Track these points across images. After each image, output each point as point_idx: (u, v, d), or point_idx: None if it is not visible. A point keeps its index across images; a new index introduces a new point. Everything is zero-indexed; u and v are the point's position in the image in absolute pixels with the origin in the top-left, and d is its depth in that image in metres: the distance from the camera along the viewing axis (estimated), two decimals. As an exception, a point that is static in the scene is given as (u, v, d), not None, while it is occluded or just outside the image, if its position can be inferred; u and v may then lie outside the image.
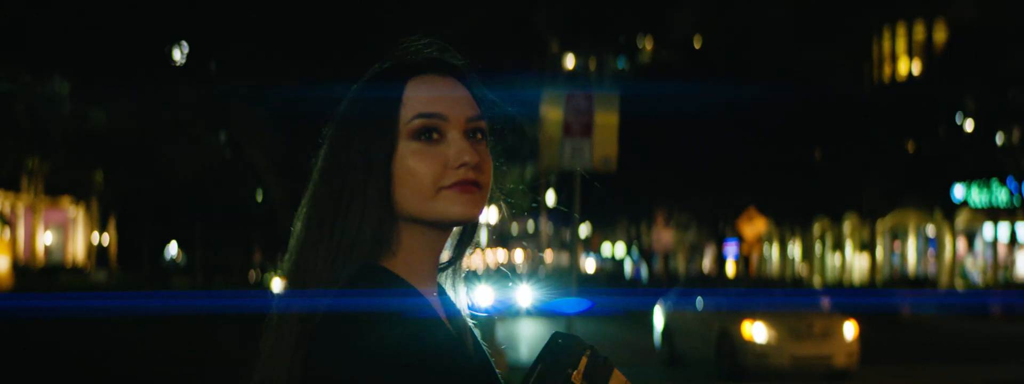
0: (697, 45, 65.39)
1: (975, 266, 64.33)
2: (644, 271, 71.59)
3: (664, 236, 56.74)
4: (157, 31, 18.43)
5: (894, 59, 65.07)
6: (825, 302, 24.84)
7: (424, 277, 2.44)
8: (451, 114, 2.40)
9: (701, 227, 66.45)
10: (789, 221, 67.52)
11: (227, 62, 19.07)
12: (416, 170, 2.36)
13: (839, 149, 54.43)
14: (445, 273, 2.61)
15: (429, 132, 2.39)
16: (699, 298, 25.56)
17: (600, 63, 76.69)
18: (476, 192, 2.40)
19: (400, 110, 2.39)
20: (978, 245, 64.30)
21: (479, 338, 2.55)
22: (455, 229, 2.55)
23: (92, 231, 75.61)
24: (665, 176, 53.28)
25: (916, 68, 62.19)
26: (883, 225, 66.50)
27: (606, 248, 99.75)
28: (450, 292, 2.60)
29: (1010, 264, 60.11)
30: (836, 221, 69.31)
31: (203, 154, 30.52)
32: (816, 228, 75.47)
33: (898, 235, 71.03)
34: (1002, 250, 59.43)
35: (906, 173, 53.16)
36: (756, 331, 22.48)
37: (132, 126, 26.48)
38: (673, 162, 51.25)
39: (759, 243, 79.13)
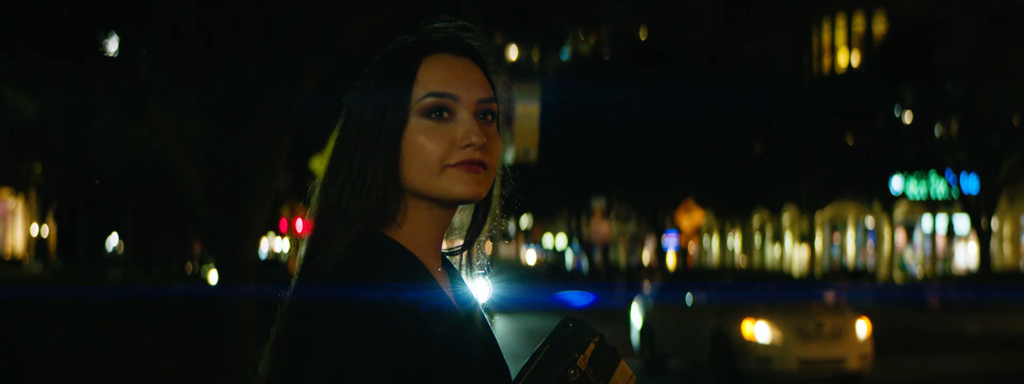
0: (643, 37, 65.27)
1: (914, 258, 64.58)
2: (585, 263, 71.56)
3: (602, 228, 56.55)
4: (89, 19, 18.09)
5: (834, 51, 65.22)
6: (830, 296, 23.00)
7: (428, 251, 2.49)
8: (462, 94, 2.45)
9: (641, 219, 66.39)
10: (729, 213, 67.58)
11: (150, 49, 18.79)
12: (424, 147, 2.42)
13: (778, 141, 54.48)
14: (458, 257, 2.68)
15: (439, 111, 2.44)
16: (689, 293, 22.44)
17: (543, 55, 76.50)
18: (481, 172, 2.44)
19: (413, 87, 2.45)
20: (917, 237, 64.56)
21: (487, 319, 2.56)
22: (466, 214, 2.64)
23: (31, 223, 75.02)
24: (603, 167, 53.19)
25: (855, 60, 62.33)
26: (822, 217, 66.70)
27: (548, 240, 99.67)
28: (464, 275, 2.65)
29: (949, 256, 60.37)
30: (775, 213, 69.42)
31: (128, 146, 30.25)
32: (755, 220, 75.64)
33: (837, 227, 71.28)
34: (941, 242, 59.68)
35: (845, 165, 53.28)
36: (759, 331, 19.96)
37: (61, 117, 26.20)
38: (611, 154, 51.17)
39: (697, 235, 79.32)
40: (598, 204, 57.59)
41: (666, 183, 54.31)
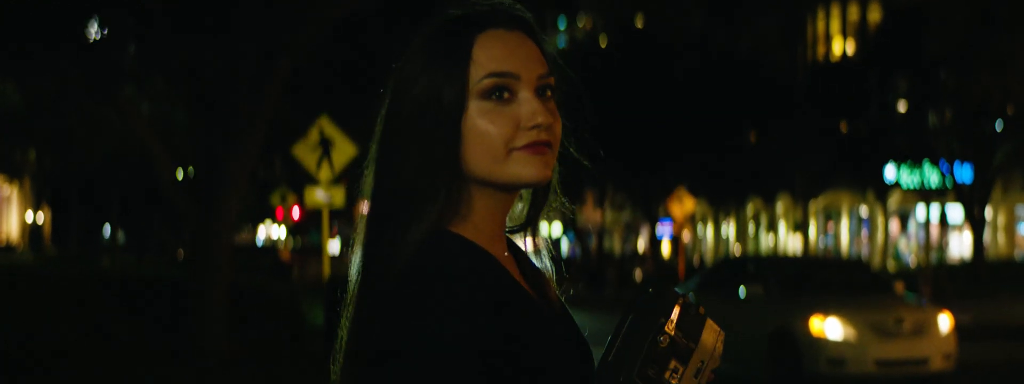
0: (639, 25, 65.19)
1: (908, 247, 64.51)
2: (578, 251, 71.50)
3: (593, 216, 56.50)
4: (64, 4, 17.98)
5: (828, 40, 65.10)
6: (900, 287, 20.38)
7: (493, 239, 2.38)
8: (523, 72, 2.32)
9: (636, 207, 66.29)
10: (722, 201, 67.52)
11: (119, 29, 18.67)
12: (487, 131, 2.29)
13: (772, 129, 54.40)
14: (520, 235, 2.55)
15: (500, 91, 2.31)
16: (743, 286, 19.58)
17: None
18: (548, 153, 2.33)
19: (470, 68, 2.30)
20: (911, 226, 64.48)
21: (561, 296, 2.51)
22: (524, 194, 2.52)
23: (26, 210, 75.00)
24: (596, 155, 53.11)
25: (850, 49, 62.22)
26: (816, 206, 66.62)
27: (543, 228, 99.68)
28: (529, 254, 2.55)
29: (943, 245, 60.28)
30: (769, 202, 69.34)
31: (108, 134, 30.13)
32: (749, 208, 75.58)
33: (831, 216, 71.23)
34: (935, 231, 59.59)
35: (838, 154, 53.19)
36: (830, 328, 17.61)
37: (44, 104, 26.02)
38: (604, 141, 51.10)
39: (691, 223, 79.28)
40: (589, 192, 57.50)
41: (659, 171, 54.20)
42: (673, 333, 2.28)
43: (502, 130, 2.29)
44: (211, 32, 17.75)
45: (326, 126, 24.07)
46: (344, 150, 24.24)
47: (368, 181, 2.39)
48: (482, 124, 2.29)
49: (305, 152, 24.27)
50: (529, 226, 2.56)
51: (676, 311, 2.30)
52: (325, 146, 23.88)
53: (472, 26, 2.34)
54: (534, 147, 2.30)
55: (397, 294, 2.20)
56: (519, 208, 2.53)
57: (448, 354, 2.14)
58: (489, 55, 2.31)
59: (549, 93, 2.37)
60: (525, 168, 2.30)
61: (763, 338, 18.30)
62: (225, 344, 18.69)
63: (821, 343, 17.58)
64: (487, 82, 2.30)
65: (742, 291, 19.36)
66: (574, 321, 2.44)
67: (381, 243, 2.29)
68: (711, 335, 2.37)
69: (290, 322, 21.60)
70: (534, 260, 2.54)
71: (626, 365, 2.26)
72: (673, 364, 2.27)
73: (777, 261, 25.20)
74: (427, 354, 2.14)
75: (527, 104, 2.31)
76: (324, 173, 24.16)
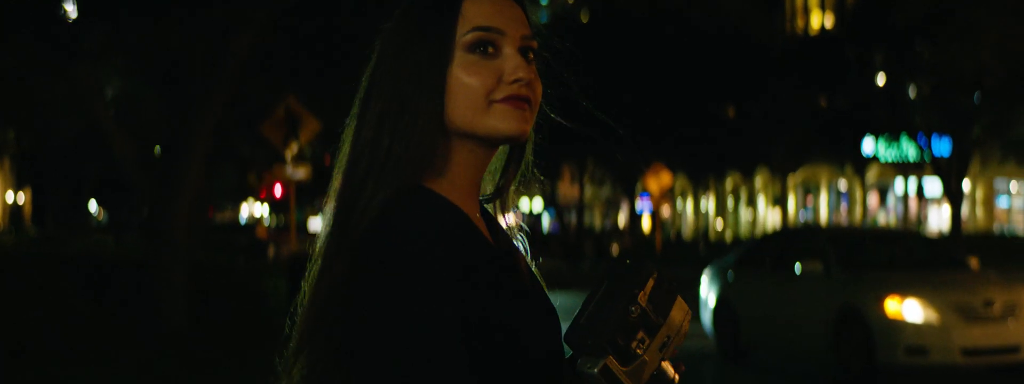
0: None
1: (887, 221, 64.54)
2: (559, 226, 71.65)
3: (571, 192, 56.51)
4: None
5: (806, 13, 64.99)
6: (975, 263, 17.78)
7: (467, 197, 2.43)
8: (508, 29, 2.39)
9: (616, 182, 66.30)
10: (702, 176, 67.54)
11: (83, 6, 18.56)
12: (469, 82, 2.36)
13: (750, 103, 54.33)
14: (493, 203, 2.61)
15: (485, 45, 2.38)
16: (798, 262, 17.19)
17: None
18: (527, 109, 2.39)
19: (457, 22, 2.38)
20: (890, 200, 64.52)
21: (530, 264, 2.56)
22: (498, 160, 2.58)
23: (7, 190, 74.78)
24: (573, 129, 53.06)
25: (829, 22, 62.11)
26: (794, 180, 66.61)
27: (524, 203, 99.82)
28: (500, 219, 2.60)
29: (923, 218, 60.29)
30: (748, 176, 69.33)
31: (74, 111, 29.97)
32: (728, 183, 75.59)
33: (810, 190, 71.27)
34: (914, 204, 59.60)
35: (817, 128, 53.14)
36: (909, 311, 15.36)
37: (10, 82, 25.91)
38: (582, 115, 51.04)
39: (670, 198, 79.27)
40: (566, 167, 57.48)
41: (637, 146, 54.16)
42: (644, 305, 2.32)
43: (485, 81, 2.35)
44: (168, 10, 17.63)
45: (292, 104, 24.03)
46: (310, 127, 24.19)
47: (348, 135, 2.44)
48: (465, 76, 2.35)
49: (272, 130, 24.23)
50: (499, 197, 2.61)
51: (650, 284, 2.34)
52: (291, 124, 23.83)
53: None
54: (514, 101, 2.36)
55: (370, 249, 2.23)
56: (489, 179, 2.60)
57: (420, 311, 2.15)
58: (477, 10, 2.38)
59: (531, 56, 2.44)
60: (504, 121, 2.35)
61: (826, 321, 16.23)
62: (185, 321, 18.61)
63: (898, 328, 15.33)
64: (472, 36, 2.37)
65: (797, 267, 17.08)
66: (544, 290, 2.50)
67: (357, 195, 2.33)
68: (680, 313, 2.39)
69: (252, 299, 21.53)
70: (510, 235, 2.59)
71: (596, 329, 2.30)
72: (640, 335, 2.32)
73: (835, 233, 20.80)
74: (399, 311, 2.16)
75: (511, 59, 2.37)
76: (291, 150, 24.12)
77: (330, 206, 2.43)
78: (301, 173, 25.07)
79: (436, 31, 2.38)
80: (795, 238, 20.50)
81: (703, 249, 59.13)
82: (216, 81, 17.60)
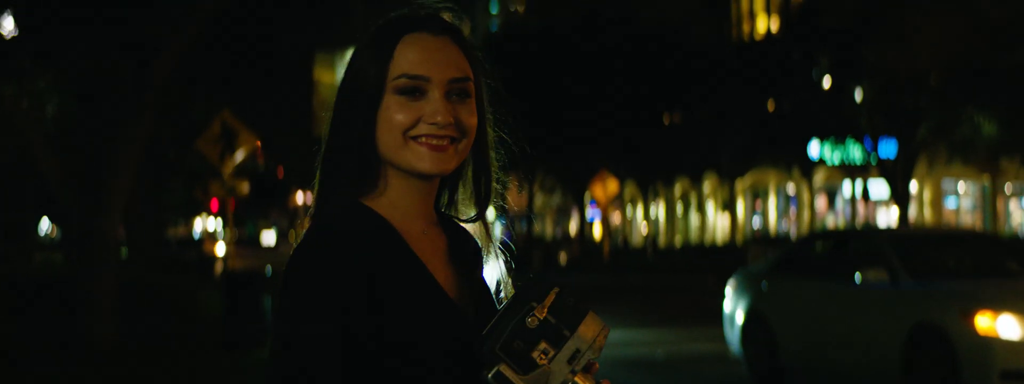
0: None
1: (835, 224, 64.69)
2: (511, 235, 71.56)
3: (519, 200, 56.42)
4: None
5: (752, 17, 65.15)
6: None
7: (411, 214, 2.67)
8: (434, 76, 2.61)
9: (565, 190, 66.31)
10: (650, 182, 67.60)
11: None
12: (392, 119, 2.60)
13: (697, 108, 54.39)
14: (474, 225, 2.83)
15: (412, 90, 2.60)
16: (858, 272, 14.56)
17: (474, 27, 76.55)
18: (448, 149, 2.61)
19: (390, 66, 2.61)
20: (838, 202, 64.67)
21: (491, 283, 2.79)
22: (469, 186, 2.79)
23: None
24: (518, 139, 53.04)
25: (774, 26, 62.25)
26: (742, 184, 66.70)
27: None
28: (481, 243, 2.83)
29: (871, 220, 60.44)
30: (696, 181, 69.40)
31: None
32: (677, 189, 75.66)
33: (759, 194, 71.37)
34: (862, 207, 59.75)
35: (763, 132, 53.24)
36: (1005, 328, 13.03)
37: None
38: (528, 124, 50.97)
39: (620, 205, 79.28)
40: (512, 176, 57.37)
41: (584, 152, 54.15)
42: (543, 317, 2.43)
43: (405, 119, 2.59)
44: (94, 22, 17.52)
45: (228, 119, 23.89)
46: (247, 142, 24.05)
47: (319, 161, 2.70)
48: (391, 113, 2.60)
49: (208, 145, 24.08)
50: (477, 220, 2.83)
51: (550, 298, 2.46)
52: (228, 139, 23.69)
53: (401, 28, 2.66)
54: (430, 142, 2.60)
55: (293, 259, 2.50)
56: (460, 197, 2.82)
57: (305, 321, 2.41)
58: (407, 57, 2.62)
59: (468, 93, 2.67)
60: (419, 160, 2.60)
61: (895, 340, 13.87)
62: (113, 337, 18.44)
63: (991, 349, 12.97)
64: (400, 81, 2.61)
65: (858, 276, 14.52)
66: (489, 299, 2.74)
67: (312, 211, 2.66)
68: (592, 327, 2.48)
69: (186, 315, 21.39)
70: (486, 252, 2.83)
71: (493, 338, 2.44)
72: (543, 345, 2.43)
73: (896, 235, 16.88)
74: (289, 319, 2.43)
75: (433, 103, 2.60)
76: (227, 165, 23.97)
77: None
78: (240, 188, 24.89)
79: (371, 72, 2.62)
80: (846, 241, 17.54)
81: (651, 255, 59.17)
82: (144, 98, 17.46)
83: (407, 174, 2.64)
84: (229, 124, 23.73)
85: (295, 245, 2.57)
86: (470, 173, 2.79)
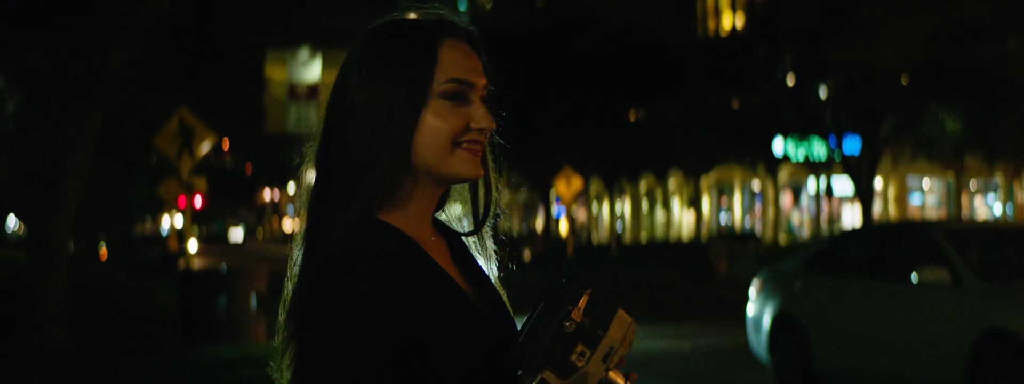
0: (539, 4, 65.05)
1: (800, 220, 64.83)
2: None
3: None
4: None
5: (718, 13, 65.19)
6: None
7: (420, 224, 2.59)
8: (477, 81, 2.57)
9: (532, 187, 66.30)
10: (615, 179, 67.63)
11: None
12: (439, 126, 2.51)
13: (662, 105, 54.41)
14: (473, 237, 2.76)
15: (458, 95, 2.53)
16: (915, 271, 12.91)
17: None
18: (480, 153, 2.57)
19: (435, 70, 2.53)
20: (803, 199, 64.80)
21: (503, 294, 2.71)
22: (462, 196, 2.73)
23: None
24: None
25: (739, 23, 62.31)
26: (708, 181, 66.78)
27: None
28: (476, 251, 2.75)
29: (836, 218, 60.58)
30: (661, 178, 69.44)
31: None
32: (643, 185, 75.70)
33: (724, 191, 71.44)
34: (826, 204, 59.91)
35: (728, 128, 53.28)
36: None
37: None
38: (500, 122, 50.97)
39: (585, 201, 79.28)
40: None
41: (549, 149, 54.15)
42: (579, 320, 2.41)
43: (453, 126, 2.52)
44: (43, 26, 17.43)
45: (186, 116, 23.78)
46: (204, 139, 23.95)
47: (312, 153, 2.60)
48: (437, 120, 2.52)
49: (166, 142, 23.97)
50: (475, 233, 2.75)
51: (584, 300, 2.43)
52: (185, 136, 23.58)
53: (438, 32, 2.58)
54: (473, 148, 2.54)
55: (326, 276, 2.39)
56: (458, 210, 2.75)
57: (357, 334, 2.33)
58: (452, 62, 2.55)
59: (488, 99, 2.61)
60: (464, 165, 2.53)
61: (959, 347, 12.27)
62: (64, 337, 18.35)
63: None
64: (448, 86, 2.53)
65: (915, 276, 12.89)
66: (507, 312, 2.66)
67: (320, 224, 2.51)
68: (622, 325, 2.47)
69: (141, 314, 21.28)
70: (481, 261, 2.74)
71: (533, 346, 2.41)
72: (580, 348, 2.41)
73: (954, 230, 14.44)
74: (336, 335, 2.34)
75: (478, 109, 2.56)
76: (185, 163, 23.87)
77: (303, 219, 2.58)
78: (198, 185, 24.80)
79: (416, 76, 2.53)
80: (896, 237, 15.38)
81: (615, 252, 59.18)
82: (94, 97, 17.35)
83: (434, 182, 2.57)
84: (187, 121, 23.62)
85: (297, 262, 2.53)
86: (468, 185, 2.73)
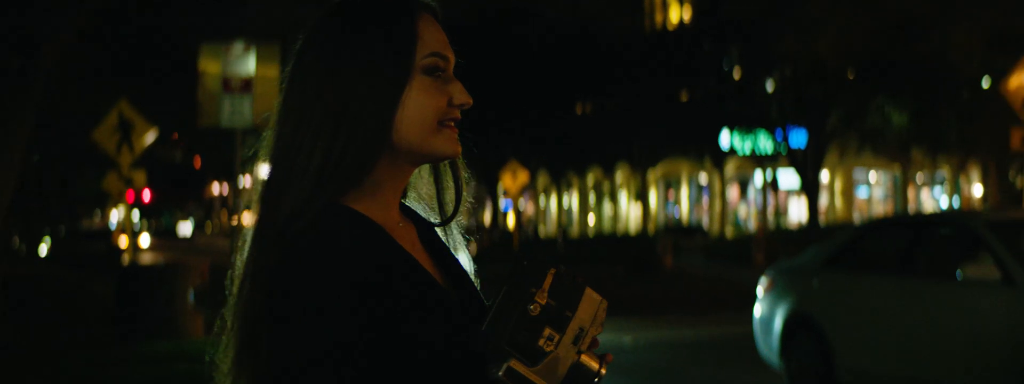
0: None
1: (747, 213, 65.06)
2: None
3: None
4: None
5: (665, 7, 65.30)
6: None
7: (388, 208, 2.46)
8: (450, 55, 2.46)
9: (480, 180, 66.33)
10: (562, 173, 67.72)
11: None
12: (425, 103, 2.40)
13: (609, 98, 54.50)
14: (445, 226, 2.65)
15: (437, 70, 2.43)
16: (959, 269, 11.36)
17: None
18: (456, 131, 2.45)
19: (417, 44, 2.42)
20: (750, 192, 65.03)
21: (471, 277, 2.58)
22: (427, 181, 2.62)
23: None
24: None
25: (686, 16, 62.42)
26: (655, 174, 66.90)
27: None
28: (444, 238, 2.63)
29: (782, 211, 60.81)
30: (609, 171, 69.56)
31: None
32: (590, 179, 75.82)
33: (671, 184, 71.62)
34: (773, 196, 60.11)
35: (675, 122, 53.40)
36: None
37: None
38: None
39: (533, 195, 79.31)
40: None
41: (495, 143, 54.16)
42: (544, 302, 2.29)
43: (438, 104, 2.40)
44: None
45: (125, 110, 23.60)
46: (144, 133, 23.79)
47: (267, 148, 2.46)
48: (422, 97, 2.39)
49: (105, 136, 23.79)
50: (448, 222, 2.64)
51: (548, 281, 2.31)
52: (124, 129, 23.42)
53: (412, 5, 2.46)
54: (452, 125, 2.42)
55: (286, 265, 2.27)
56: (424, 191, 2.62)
57: (326, 321, 2.22)
58: (429, 37, 2.43)
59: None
60: (447, 144, 2.41)
61: (1013, 352, 10.81)
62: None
63: None
64: (430, 60, 2.41)
65: (959, 273, 11.37)
66: (477, 295, 2.53)
67: (278, 213, 2.36)
68: (591, 304, 2.37)
69: (76, 310, 21.11)
70: (459, 254, 2.63)
71: (497, 333, 2.28)
72: (548, 332, 2.29)
73: (996, 221, 12.40)
74: (307, 324, 2.22)
75: (456, 84, 2.44)
76: (124, 157, 23.70)
77: (256, 211, 2.45)
78: (137, 179, 24.61)
79: (400, 50, 2.41)
80: (930, 228, 13.47)
81: (562, 246, 59.22)
82: (26, 92, 17.14)
83: (410, 162, 2.44)
84: (126, 115, 23.46)
85: (250, 252, 2.39)
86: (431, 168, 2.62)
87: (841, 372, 12.63)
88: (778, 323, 13.50)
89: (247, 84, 15.99)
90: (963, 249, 11.87)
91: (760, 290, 14.18)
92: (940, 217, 16.02)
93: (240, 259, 2.44)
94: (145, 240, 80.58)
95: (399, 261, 2.38)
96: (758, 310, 14.03)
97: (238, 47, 16.38)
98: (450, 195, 2.64)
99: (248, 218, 2.51)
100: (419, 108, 2.39)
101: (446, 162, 2.60)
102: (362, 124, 2.37)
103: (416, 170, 2.55)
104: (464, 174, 2.64)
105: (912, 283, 12.25)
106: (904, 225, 14.23)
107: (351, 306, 2.24)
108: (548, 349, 2.29)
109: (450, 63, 2.45)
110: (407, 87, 2.39)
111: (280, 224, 2.34)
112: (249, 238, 2.42)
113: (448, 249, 2.60)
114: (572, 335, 2.32)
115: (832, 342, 12.74)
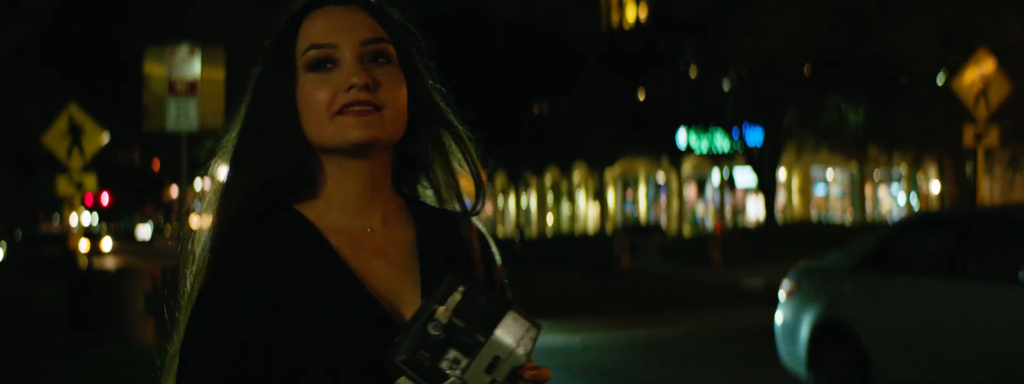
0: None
1: (705, 212, 65.14)
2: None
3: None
4: None
5: (622, 6, 65.31)
6: None
7: (353, 212, 2.44)
8: (343, 41, 2.41)
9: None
10: (519, 173, 67.70)
11: None
12: (312, 99, 2.39)
13: (565, 97, 54.50)
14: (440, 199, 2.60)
15: (323, 63, 2.40)
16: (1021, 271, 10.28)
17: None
18: (373, 114, 2.38)
19: (297, 44, 2.42)
20: (708, 191, 65.11)
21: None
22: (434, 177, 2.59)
23: None
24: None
25: (643, 15, 62.44)
26: (612, 173, 66.92)
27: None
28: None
29: (740, 209, 60.89)
30: (566, 171, 69.57)
31: None
32: (548, 178, 75.81)
33: (629, 183, 71.65)
34: (731, 195, 60.21)
35: (631, 121, 53.44)
36: None
37: None
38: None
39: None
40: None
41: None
42: (448, 321, 2.20)
43: (325, 96, 2.37)
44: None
45: (75, 113, 23.47)
46: (95, 137, 23.66)
47: (221, 158, 2.50)
48: (308, 94, 2.39)
49: (55, 140, 23.65)
50: (473, 215, 2.61)
51: (454, 299, 2.21)
52: (75, 133, 23.28)
53: (305, 8, 2.46)
54: (353, 109, 2.36)
55: (205, 272, 2.36)
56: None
57: (200, 334, 2.31)
58: (311, 31, 2.42)
59: (381, 60, 2.43)
60: (345, 131, 2.36)
61: None
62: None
63: None
64: (310, 54, 2.40)
65: (1022, 275, 10.27)
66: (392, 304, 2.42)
67: (224, 217, 2.40)
68: (513, 331, 2.21)
69: (26, 315, 21.05)
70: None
71: (397, 349, 2.21)
72: (453, 354, 2.20)
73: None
74: (190, 331, 2.33)
75: (346, 69, 2.38)
76: (75, 160, 23.56)
77: (209, 216, 2.47)
78: (86, 184, 24.49)
79: (280, 55, 2.44)
80: (977, 226, 12.05)
81: (519, 246, 59.17)
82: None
83: (342, 157, 2.41)
84: (76, 119, 23.32)
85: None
86: (435, 156, 2.61)
87: (879, 383, 11.71)
88: (805, 330, 12.46)
89: (192, 87, 15.97)
90: (1018, 249, 10.88)
91: (782, 294, 13.14)
92: (985, 213, 14.43)
93: (191, 264, 2.45)
94: (107, 244, 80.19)
95: (317, 270, 2.35)
96: (780, 316, 13.02)
97: (183, 50, 16.35)
98: (447, 191, 2.59)
99: (195, 221, 2.53)
100: (307, 106, 2.40)
101: (436, 157, 2.60)
102: (265, 131, 2.42)
103: (431, 165, 2.58)
104: (483, 173, 2.66)
105: (964, 285, 11.22)
106: (944, 223, 13.08)
107: (227, 322, 2.29)
108: (451, 372, 2.19)
109: (341, 48, 2.40)
110: (297, 88, 2.41)
111: (222, 228, 2.39)
112: (199, 244, 2.44)
113: (459, 254, 2.51)
114: (485, 362, 2.21)
115: (869, 351, 11.73)
